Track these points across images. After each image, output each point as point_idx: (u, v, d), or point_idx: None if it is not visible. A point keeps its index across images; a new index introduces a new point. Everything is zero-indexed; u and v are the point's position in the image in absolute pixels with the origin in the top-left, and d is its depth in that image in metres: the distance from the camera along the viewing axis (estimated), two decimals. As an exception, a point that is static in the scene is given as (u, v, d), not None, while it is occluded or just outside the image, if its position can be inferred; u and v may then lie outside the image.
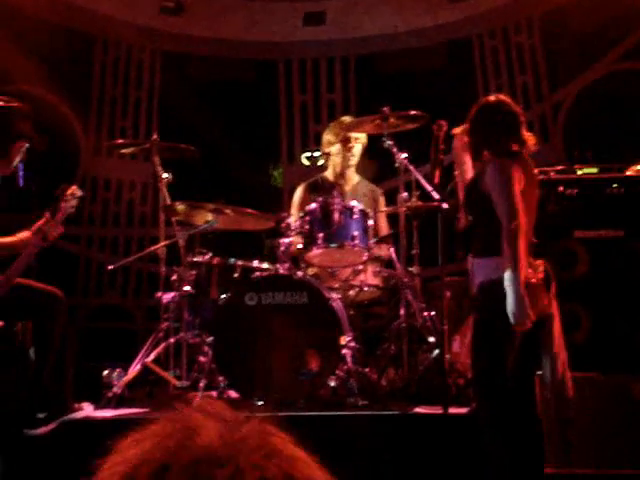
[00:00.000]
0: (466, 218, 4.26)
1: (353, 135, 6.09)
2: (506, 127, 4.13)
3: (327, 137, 6.21)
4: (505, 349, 3.93)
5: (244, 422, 0.98)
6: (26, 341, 4.82)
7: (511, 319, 3.83)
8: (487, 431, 4.05)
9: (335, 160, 6.19)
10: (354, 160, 6.18)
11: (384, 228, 6.13)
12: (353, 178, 6.28)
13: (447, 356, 4.93)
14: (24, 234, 4.73)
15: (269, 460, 0.92)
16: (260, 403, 4.92)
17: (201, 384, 5.07)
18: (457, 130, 4.41)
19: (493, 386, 4.00)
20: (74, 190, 4.80)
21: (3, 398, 4.69)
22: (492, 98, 4.27)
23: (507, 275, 3.85)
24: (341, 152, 6.12)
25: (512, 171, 3.97)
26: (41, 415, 4.70)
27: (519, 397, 4.00)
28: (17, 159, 4.83)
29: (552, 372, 4.17)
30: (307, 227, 5.42)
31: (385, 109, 5.54)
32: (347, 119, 6.26)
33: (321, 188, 6.13)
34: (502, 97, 4.28)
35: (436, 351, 5.18)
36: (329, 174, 6.29)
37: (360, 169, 6.34)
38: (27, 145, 4.81)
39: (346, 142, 6.10)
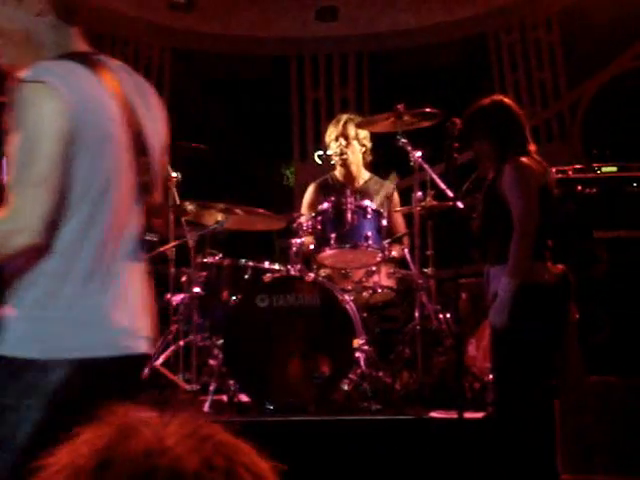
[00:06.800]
0: (480, 224, 4.16)
1: (346, 133, 5.96)
2: (522, 126, 4.10)
3: (326, 137, 6.11)
4: (524, 356, 3.86)
5: (172, 417, 1.00)
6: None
7: (491, 318, 3.93)
8: (506, 436, 3.99)
9: (335, 158, 6.08)
10: (352, 158, 6.02)
11: (401, 226, 6.01)
12: (363, 175, 6.15)
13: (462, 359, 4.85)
14: None
15: (204, 443, 0.95)
16: (271, 407, 4.83)
17: (211, 387, 5.01)
18: None
19: (513, 392, 3.94)
20: None
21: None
22: (499, 98, 4.25)
23: (504, 280, 3.79)
24: (335, 150, 6.01)
25: (530, 169, 3.92)
26: None
27: (538, 402, 3.94)
28: None
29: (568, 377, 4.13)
30: (319, 227, 5.33)
31: (399, 106, 5.43)
32: (344, 117, 6.10)
33: (331, 187, 6.03)
34: (503, 97, 4.31)
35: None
36: (338, 173, 6.16)
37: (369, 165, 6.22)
38: None
39: (336, 140, 5.97)
